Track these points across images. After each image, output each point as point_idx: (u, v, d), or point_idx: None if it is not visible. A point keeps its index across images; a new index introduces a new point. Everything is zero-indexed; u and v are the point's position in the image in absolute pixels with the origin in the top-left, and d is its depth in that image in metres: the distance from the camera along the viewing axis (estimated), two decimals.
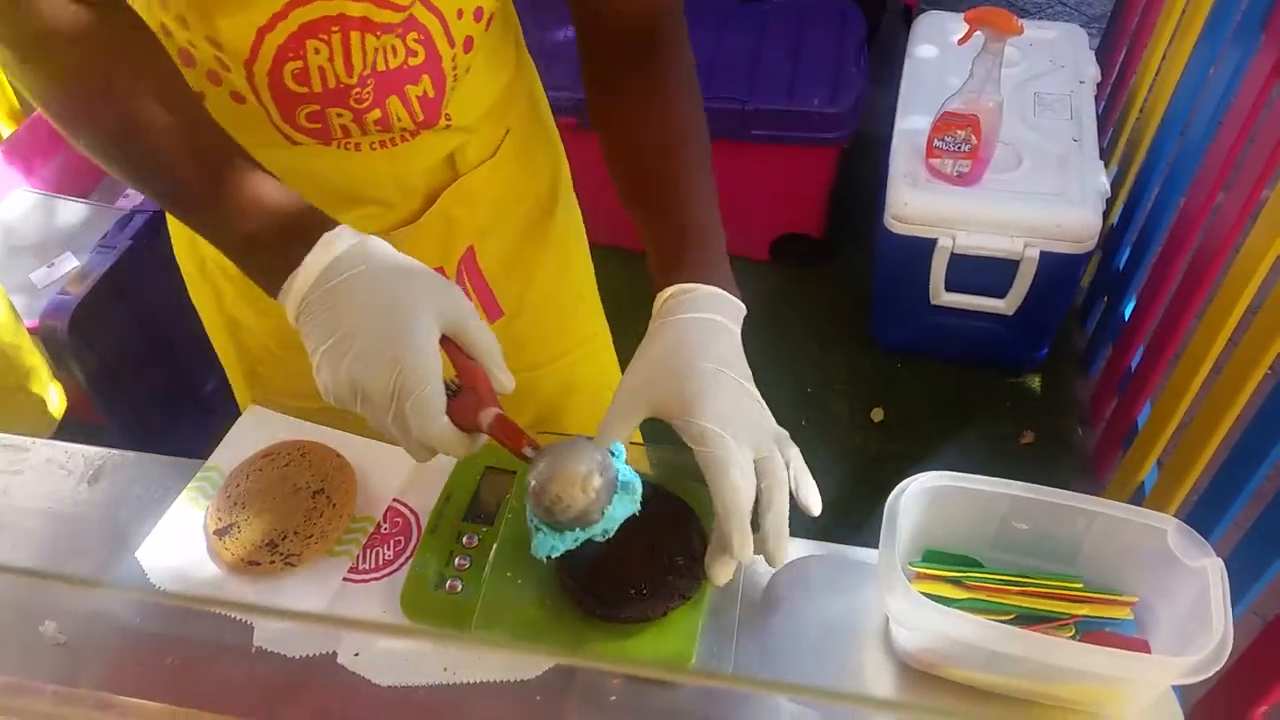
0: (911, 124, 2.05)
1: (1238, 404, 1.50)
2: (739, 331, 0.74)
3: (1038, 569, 0.76)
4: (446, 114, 0.84)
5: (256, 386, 1.01)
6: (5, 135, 2.17)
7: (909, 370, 2.25)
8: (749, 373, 0.72)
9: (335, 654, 0.76)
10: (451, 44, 0.81)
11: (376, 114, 0.80)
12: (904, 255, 1.99)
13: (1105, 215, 2.05)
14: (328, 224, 0.68)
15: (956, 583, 0.74)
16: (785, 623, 0.77)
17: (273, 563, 0.79)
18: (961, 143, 1.86)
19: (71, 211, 2.06)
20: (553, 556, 0.69)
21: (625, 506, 0.69)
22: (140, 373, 1.96)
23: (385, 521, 0.83)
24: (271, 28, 0.73)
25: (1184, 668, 0.64)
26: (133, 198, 2.19)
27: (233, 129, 0.74)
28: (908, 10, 2.64)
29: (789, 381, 2.24)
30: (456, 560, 0.79)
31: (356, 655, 0.76)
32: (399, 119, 0.82)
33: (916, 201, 1.93)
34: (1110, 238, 2.24)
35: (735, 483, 0.66)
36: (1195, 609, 0.68)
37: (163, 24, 0.76)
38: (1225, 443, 1.54)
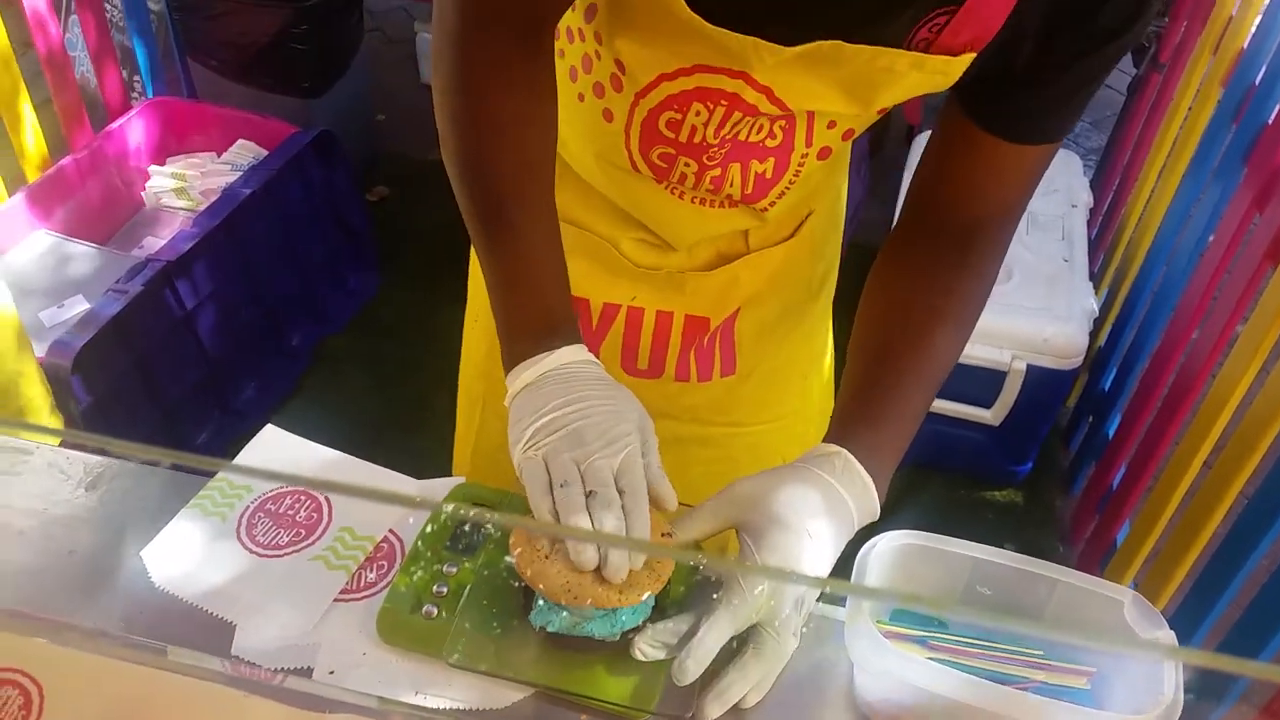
0: None
1: (1210, 525, 1.53)
2: (856, 526, 0.76)
3: (1000, 634, 0.78)
4: (773, 200, 0.90)
5: (482, 440, 1.12)
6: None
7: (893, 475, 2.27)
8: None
9: (311, 670, 0.77)
10: (809, 144, 0.85)
11: (716, 173, 0.87)
12: None
13: (1093, 336, 2.11)
14: (579, 335, 0.81)
15: (922, 642, 0.76)
16: None
17: None
18: None
19: (87, 256, 2.11)
20: (549, 629, 0.75)
21: (635, 614, 0.75)
22: (135, 420, 1.99)
23: (374, 548, 0.85)
24: (673, 78, 0.80)
25: None
26: (147, 247, 2.24)
27: (588, 138, 0.88)
28: (910, 130, 2.75)
29: None
30: (435, 587, 0.80)
31: (331, 673, 0.77)
32: (731, 184, 0.88)
33: None
34: (1097, 360, 2.29)
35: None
36: (1148, 682, 0.70)
37: (579, 29, 0.84)
38: (1197, 565, 1.57)
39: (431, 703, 0.76)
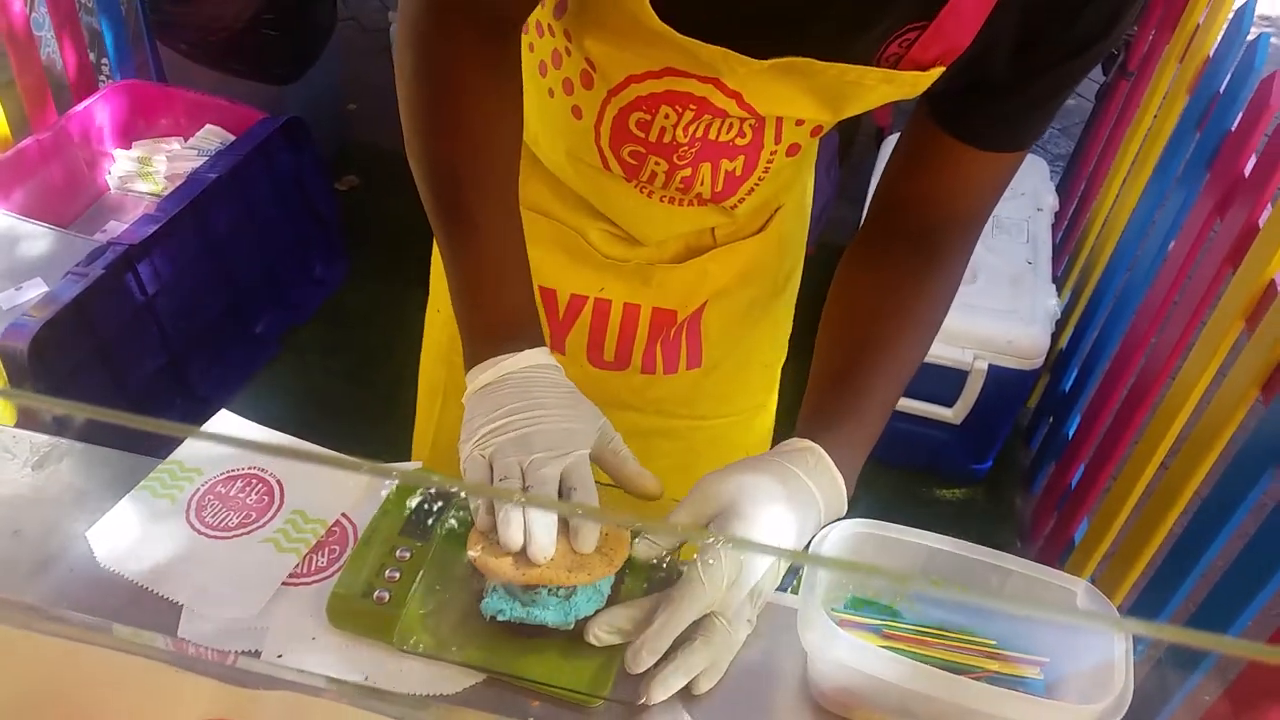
0: None
1: (1166, 524, 1.55)
2: (822, 521, 0.76)
3: (954, 624, 0.78)
4: (741, 197, 0.90)
5: (442, 429, 1.11)
6: None
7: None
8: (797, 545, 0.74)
9: (259, 653, 0.76)
10: (777, 141, 0.85)
11: (687, 172, 0.86)
12: None
13: (1055, 338, 2.12)
14: (542, 337, 0.80)
15: (876, 631, 0.76)
16: None
17: None
18: None
19: (47, 238, 2.08)
20: (499, 619, 0.74)
21: (590, 602, 0.74)
22: (93, 405, 1.95)
23: (326, 531, 0.84)
24: (641, 80, 0.79)
25: (1086, 717, 0.66)
26: (110, 232, 2.21)
27: (558, 135, 0.87)
28: (880, 131, 2.76)
29: None
30: (387, 572, 0.80)
31: (280, 657, 0.77)
32: (701, 183, 0.87)
33: None
34: (1059, 361, 2.32)
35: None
36: (1100, 672, 0.71)
37: (549, 25, 0.83)
38: (1152, 563, 1.59)
39: (381, 686, 0.75)
